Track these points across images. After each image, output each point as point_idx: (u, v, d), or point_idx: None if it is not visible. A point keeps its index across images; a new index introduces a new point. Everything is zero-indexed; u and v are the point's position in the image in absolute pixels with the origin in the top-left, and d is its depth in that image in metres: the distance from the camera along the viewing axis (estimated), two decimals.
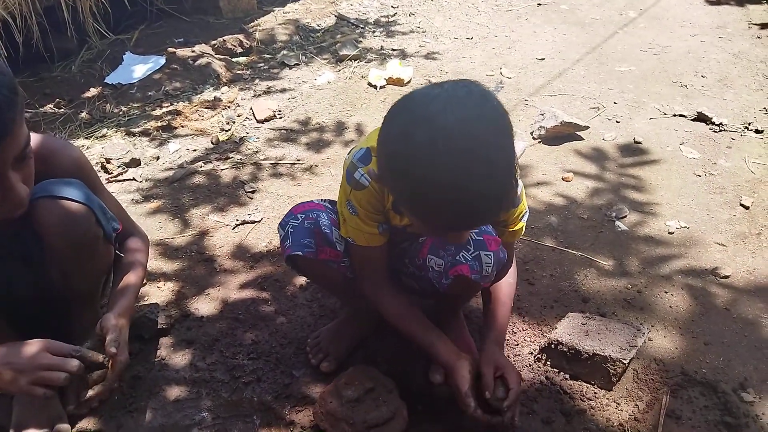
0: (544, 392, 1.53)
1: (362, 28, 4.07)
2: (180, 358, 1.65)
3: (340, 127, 2.86)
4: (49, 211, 1.24)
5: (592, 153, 2.63)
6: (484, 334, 1.48)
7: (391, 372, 1.49)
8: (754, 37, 3.82)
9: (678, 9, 4.34)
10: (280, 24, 4.07)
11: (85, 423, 1.46)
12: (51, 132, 2.81)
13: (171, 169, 2.55)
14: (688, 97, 3.08)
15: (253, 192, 2.39)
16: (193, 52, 3.50)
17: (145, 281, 1.88)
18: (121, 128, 2.86)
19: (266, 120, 2.92)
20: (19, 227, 1.29)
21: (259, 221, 2.22)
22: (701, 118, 2.84)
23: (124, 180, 2.48)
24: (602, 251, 2.05)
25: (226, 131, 2.84)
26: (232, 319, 1.78)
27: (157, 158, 2.63)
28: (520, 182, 1.33)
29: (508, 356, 1.64)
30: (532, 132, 2.75)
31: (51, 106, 3.03)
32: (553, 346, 1.57)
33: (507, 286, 1.51)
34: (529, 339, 1.70)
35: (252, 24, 4.07)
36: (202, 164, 2.58)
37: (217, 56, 3.53)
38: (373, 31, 4.01)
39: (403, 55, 3.63)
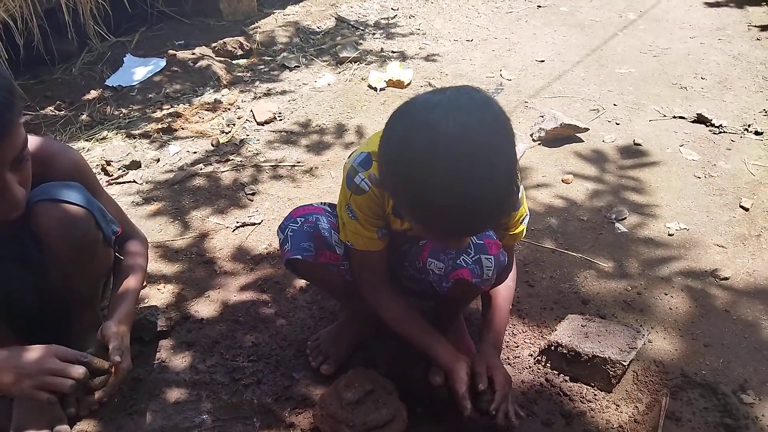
0: (544, 394, 1.53)
1: (362, 30, 4.07)
2: (180, 361, 1.65)
3: (340, 130, 2.86)
4: (48, 214, 1.25)
5: (591, 155, 2.63)
6: (481, 336, 1.49)
7: (390, 374, 1.49)
8: (754, 39, 3.83)
9: (678, 11, 4.35)
10: (280, 26, 4.08)
11: (86, 425, 1.46)
12: (51, 134, 2.82)
13: (171, 171, 2.56)
14: (687, 99, 3.09)
15: (253, 194, 2.40)
16: (193, 54, 3.51)
17: (145, 284, 1.89)
18: (122, 130, 2.86)
19: (266, 122, 2.93)
20: (18, 230, 1.30)
21: (259, 223, 2.22)
22: (701, 119, 2.85)
23: (124, 182, 2.49)
24: (602, 253, 2.05)
25: (227, 133, 2.84)
26: (232, 322, 1.78)
27: (158, 160, 2.64)
28: (521, 185, 1.33)
29: (508, 358, 1.64)
30: (532, 134, 2.75)
31: (51, 108, 3.04)
32: (553, 348, 1.57)
33: (506, 288, 1.51)
34: (529, 341, 1.70)
35: (252, 26, 4.08)
36: (203, 166, 2.58)
37: (217, 58, 3.54)
38: (373, 34, 4.02)
39: (403, 57, 3.64)
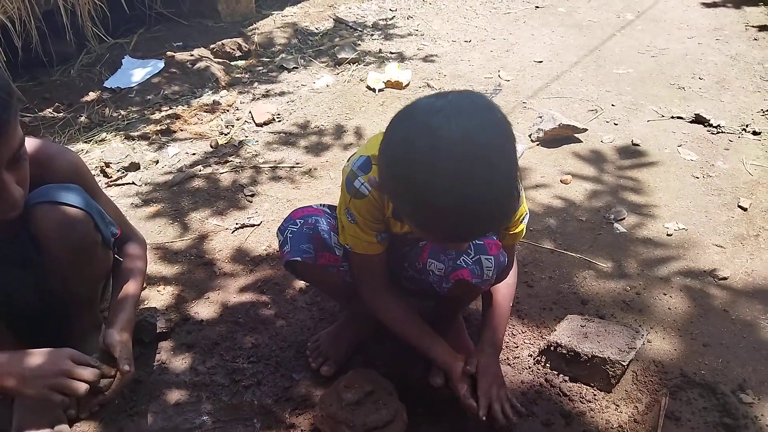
0: (543, 394, 1.54)
1: (360, 31, 4.08)
2: (180, 362, 1.65)
3: (338, 131, 2.87)
4: (47, 216, 1.25)
5: (590, 155, 2.64)
6: (480, 335, 1.49)
7: (390, 375, 1.49)
8: (751, 39, 3.84)
9: (675, 11, 4.36)
10: (278, 27, 4.08)
11: (86, 427, 1.46)
12: (50, 136, 2.81)
13: (170, 172, 2.56)
14: (685, 99, 3.09)
15: (252, 195, 2.40)
16: (191, 56, 3.51)
17: (144, 285, 1.89)
18: (121, 132, 2.86)
19: (265, 123, 2.93)
20: (17, 231, 1.30)
21: (259, 225, 2.22)
22: (699, 120, 2.85)
23: (123, 184, 2.49)
24: (601, 253, 2.05)
25: (225, 135, 2.84)
26: (231, 323, 1.78)
27: (157, 162, 2.64)
28: (521, 186, 1.33)
29: (508, 358, 1.64)
30: (531, 135, 2.75)
31: (50, 110, 3.04)
32: (552, 348, 1.57)
33: (506, 287, 1.51)
34: (528, 341, 1.71)
35: (250, 28, 4.08)
36: (202, 168, 2.58)
37: (215, 60, 3.54)
38: (372, 35, 4.02)
39: (401, 58, 3.64)
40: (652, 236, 2.14)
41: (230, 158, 2.65)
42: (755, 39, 3.82)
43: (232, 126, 2.92)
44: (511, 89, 3.24)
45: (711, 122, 2.82)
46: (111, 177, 2.51)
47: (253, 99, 3.19)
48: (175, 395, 1.55)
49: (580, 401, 1.52)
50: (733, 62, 3.51)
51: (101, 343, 1.27)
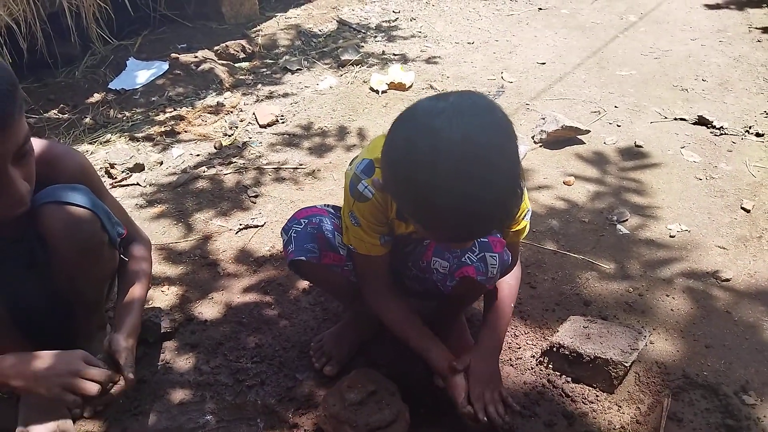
0: (546, 395, 1.54)
1: (364, 33, 4.09)
2: (184, 362, 1.66)
3: (342, 132, 2.88)
4: (54, 216, 1.25)
5: (593, 157, 2.64)
6: (479, 336, 1.49)
7: (393, 375, 1.50)
8: (755, 40, 3.83)
9: (679, 13, 4.36)
10: (282, 29, 4.09)
11: (91, 426, 1.47)
12: (55, 137, 2.83)
13: (174, 173, 2.57)
14: (688, 101, 3.10)
15: (256, 196, 2.41)
16: (195, 57, 3.53)
17: (149, 286, 1.89)
18: (125, 133, 2.88)
19: (269, 125, 2.94)
20: (24, 232, 1.31)
21: (262, 225, 2.23)
22: (702, 121, 2.85)
23: (128, 185, 2.50)
24: (603, 255, 2.06)
25: (229, 136, 2.85)
26: (235, 323, 1.79)
27: (161, 163, 2.65)
28: (524, 184, 1.33)
29: (510, 359, 1.65)
30: (534, 136, 2.76)
31: (55, 111, 3.05)
32: (554, 349, 1.58)
33: (508, 288, 1.51)
34: (531, 342, 1.71)
35: (254, 29, 4.09)
36: (206, 169, 2.59)
37: (219, 62, 3.55)
38: (375, 36, 4.03)
39: (404, 59, 3.65)
40: (655, 238, 2.14)
41: (234, 159, 2.66)
42: (759, 41, 3.82)
43: (236, 127, 2.93)
44: (514, 91, 3.24)
45: (714, 124, 2.82)
46: (115, 178, 2.52)
47: (257, 100, 3.20)
48: (179, 395, 1.56)
49: (583, 402, 1.52)
50: (736, 64, 3.51)
51: (107, 346, 1.28)
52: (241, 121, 2.99)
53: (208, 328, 1.77)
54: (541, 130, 2.72)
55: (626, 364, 1.50)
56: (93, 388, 1.17)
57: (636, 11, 4.40)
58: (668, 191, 2.39)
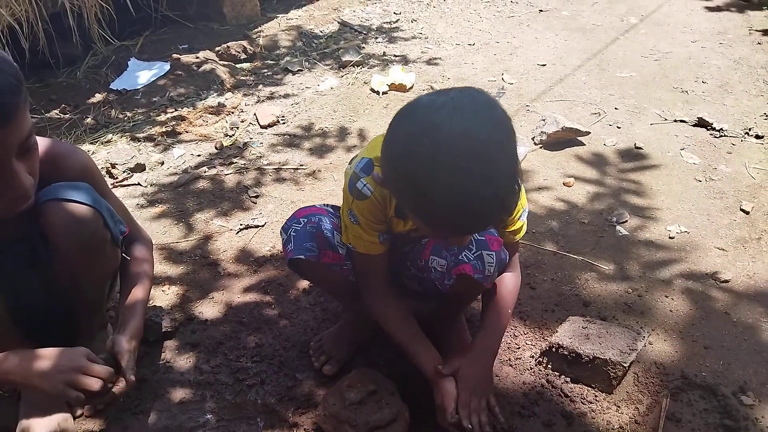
0: (545, 395, 1.55)
1: (365, 34, 4.10)
2: (184, 361, 1.66)
3: (342, 133, 2.88)
4: (57, 214, 1.26)
5: (593, 158, 2.65)
6: (473, 339, 1.49)
7: (393, 374, 1.51)
8: (755, 43, 3.84)
9: (679, 15, 4.36)
10: (283, 30, 4.10)
11: (91, 425, 1.47)
12: (57, 137, 2.84)
13: (175, 174, 2.58)
14: (688, 103, 3.10)
15: (256, 197, 2.41)
16: (197, 58, 3.54)
17: (151, 286, 1.90)
18: (126, 134, 2.89)
19: (269, 125, 2.95)
20: (27, 230, 1.31)
21: (263, 226, 2.24)
22: (702, 123, 2.86)
23: (129, 185, 2.51)
24: (603, 256, 2.06)
25: (230, 137, 2.86)
26: (236, 323, 1.79)
27: (162, 163, 2.66)
28: (521, 183, 1.34)
29: (509, 359, 1.65)
30: (534, 137, 2.77)
31: (57, 111, 3.06)
32: (554, 349, 1.58)
33: (508, 292, 1.49)
34: (530, 342, 1.71)
35: (255, 30, 4.10)
36: (206, 169, 2.60)
37: (221, 62, 3.56)
38: (376, 38, 4.04)
39: (405, 61, 3.66)
40: (654, 239, 2.14)
41: (235, 160, 2.67)
42: (759, 43, 3.83)
43: (237, 128, 2.94)
44: (514, 92, 3.25)
45: (714, 126, 2.82)
46: (117, 178, 2.53)
47: (258, 101, 3.21)
48: (179, 394, 1.56)
49: (582, 402, 1.52)
50: (736, 66, 3.51)
51: (110, 347, 1.29)
52: (242, 121, 3.00)
53: (208, 327, 1.78)
54: (541, 132, 2.72)
55: (625, 365, 1.50)
56: (96, 384, 1.18)
57: (636, 13, 4.41)
58: (668, 193, 2.40)
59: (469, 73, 3.50)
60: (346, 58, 3.62)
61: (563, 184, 2.46)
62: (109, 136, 2.87)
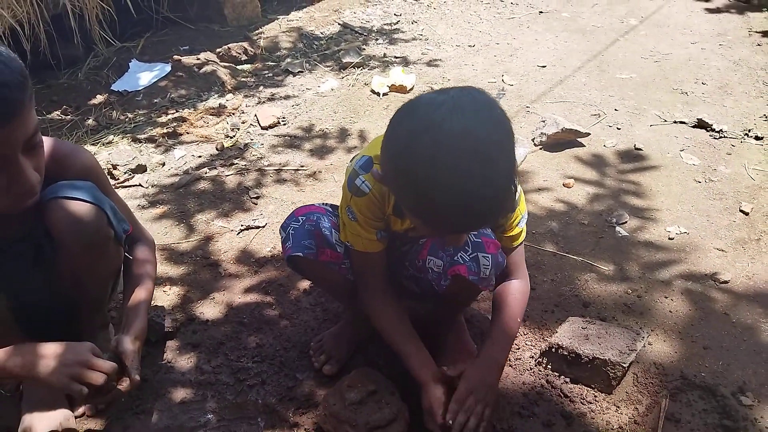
0: (544, 395, 1.55)
1: (365, 35, 4.11)
2: (185, 361, 1.67)
3: (343, 134, 2.89)
4: (61, 212, 1.27)
5: (592, 159, 2.65)
6: (480, 348, 1.48)
7: (393, 374, 1.51)
8: (755, 44, 3.84)
9: (679, 17, 4.37)
10: (284, 32, 4.11)
11: (93, 424, 1.48)
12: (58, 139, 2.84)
13: (176, 175, 2.59)
14: (688, 104, 3.11)
15: (257, 198, 2.42)
16: (198, 59, 3.55)
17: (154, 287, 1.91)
18: (128, 135, 2.89)
19: (270, 127, 2.96)
20: (31, 228, 1.32)
21: (264, 226, 2.24)
22: (701, 124, 2.87)
23: (130, 186, 2.51)
24: (603, 256, 2.07)
25: (231, 138, 2.87)
26: (236, 323, 1.80)
27: (163, 164, 2.67)
28: (519, 187, 1.35)
29: (509, 359, 1.66)
30: (534, 138, 2.77)
31: (58, 112, 3.07)
32: (553, 349, 1.59)
33: (516, 302, 1.47)
34: (530, 343, 1.72)
35: (256, 32, 4.11)
36: (207, 170, 2.61)
37: (221, 64, 3.57)
38: (376, 39, 4.05)
39: (405, 62, 3.67)
40: (654, 240, 2.15)
41: (236, 161, 2.68)
42: (758, 44, 3.83)
43: (238, 129, 2.94)
44: (514, 94, 3.26)
45: (713, 127, 2.83)
46: (118, 179, 2.54)
47: (259, 102, 3.22)
48: (180, 394, 1.57)
49: (581, 402, 1.53)
50: (736, 67, 3.52)
51: (114, 346, 1.29)
52: (243, 122, 3.01)
53: (209, 327, 1.78)
54: (541, 133, 2.73)
55: (624, 365, 1.51)
56: (99, 378, 1.19)
57: (636, 15, 4.41)
58: (667, 194, 2.41)
59: (470, 74, 3.50)
60: (346, 59, 3.63)
61: (563, 185, 2.46)
62: (111, 137, 2.87)
